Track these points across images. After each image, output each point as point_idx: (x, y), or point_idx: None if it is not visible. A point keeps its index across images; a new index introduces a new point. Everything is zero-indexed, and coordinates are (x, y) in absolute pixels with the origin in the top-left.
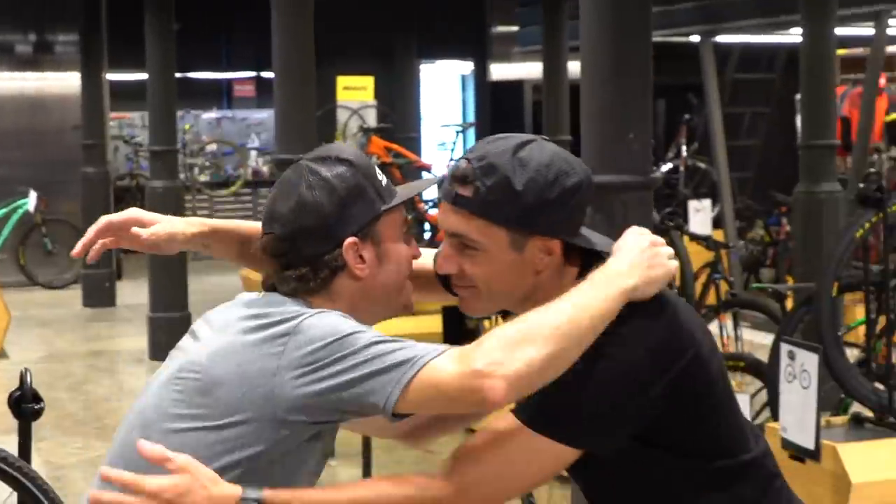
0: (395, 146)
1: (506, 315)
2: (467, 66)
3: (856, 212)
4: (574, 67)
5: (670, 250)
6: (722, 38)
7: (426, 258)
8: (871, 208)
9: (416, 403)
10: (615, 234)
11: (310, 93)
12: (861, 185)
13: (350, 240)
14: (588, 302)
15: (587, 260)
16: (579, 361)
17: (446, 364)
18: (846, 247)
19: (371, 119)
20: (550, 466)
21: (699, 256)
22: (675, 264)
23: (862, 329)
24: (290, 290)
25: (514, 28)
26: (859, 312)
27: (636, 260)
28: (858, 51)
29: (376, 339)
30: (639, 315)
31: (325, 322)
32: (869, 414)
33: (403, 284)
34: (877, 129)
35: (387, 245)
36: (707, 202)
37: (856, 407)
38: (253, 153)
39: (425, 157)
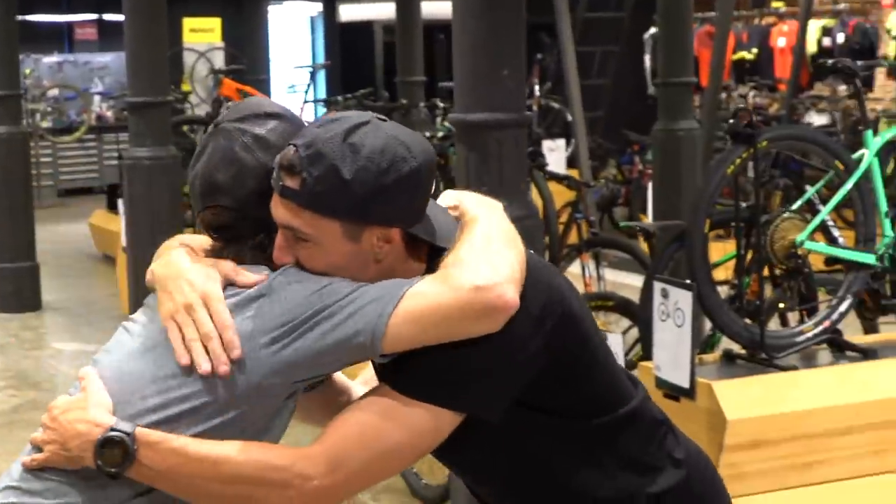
0: (247, 88)
1: None
2: (315, 8)
3: (727, 148)
4: (427, 7)
5: None
6: None
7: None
8: (742, 144)
9: (406, 336)
10: (489, 173)
11: (161, 33)
12: (731, 121)
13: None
14: (497, 214)
15: (434, 248)
16: None
17: (435, 288)
18: (717, 183)
19: (219, 61)
20: (430, 436)
21: (558, 196)
22: None
23: (726, 266)
24: (248, 261)
25: None
26: (716, 250)
27: (477, 196)
28: None
29: (350, 286)
30: None
31: (298, 278)
32: (740, 351)
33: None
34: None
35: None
36: (561, 142)
37: (725, 344)
38: (96, 98)
39: (276, 99)
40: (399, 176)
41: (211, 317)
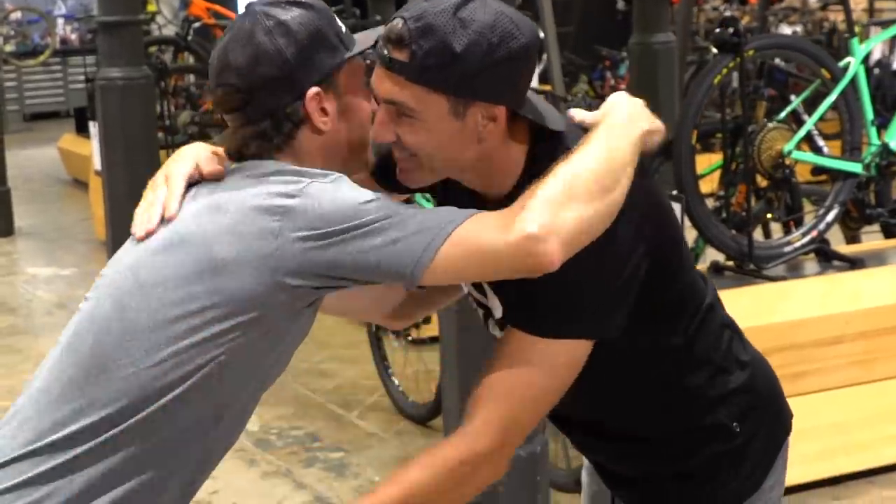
0: (217, 7)
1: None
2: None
3: (713, 57)
4: None
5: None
6: None
7: None
8: (729, 53)
9: (450, 271)
10: None
11: None
12: (717, 31)
13: (313, 90)
14: (616, 148)
15: (538, 135)
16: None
17: (488, 228)
18: (704, 93)
19: None
20: (574, 370)
21: None
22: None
23: (710, 178)
24: (253, 150)
25: None
26: (700, 161)
27: (634, 110)
28: None
29: (395, 205)
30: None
31: (336, 186)
32: (727, 262)
33: (367, 139)
34: None
35: (349, 97)
36: None
37: (711, 255)
38: (60, 21)
39: None
40: (509, 52)
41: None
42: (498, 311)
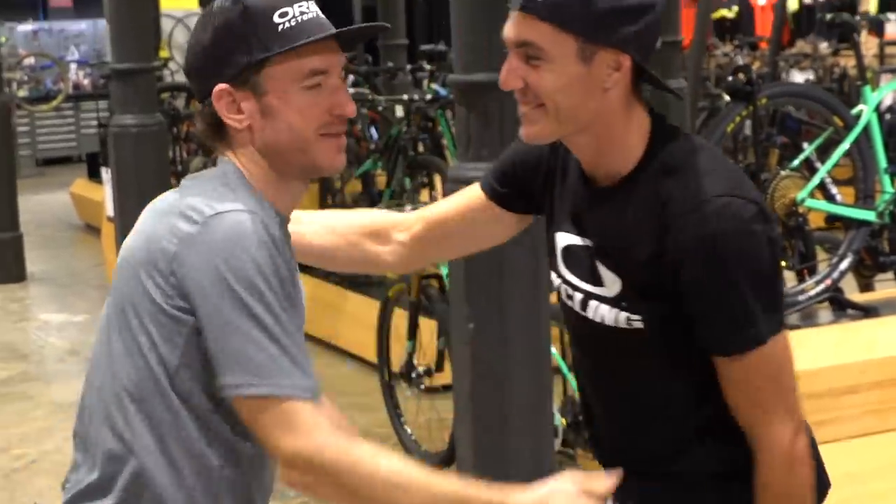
0: None
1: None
2: None
3: (726, 105)
4: None
5: None
6: None
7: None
8: (741, 101)
9: (247, 416)
10: (490, 136)
11: None
12: (730, 78)
13: (220, 86)
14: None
15: (657, 123)
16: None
17: (300, 420)
18: (717, 141)
19: None
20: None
21: None
22: None
23: None
24: (203, 137)
25: None
26: None
27: None
28: None
29: (268, 317)
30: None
31: (234, 235)
32: None
33: (304, 143)
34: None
35: (272, 97)
36: None
37: None
38: (73, 66)
39: None
40: (639, 1)
41: None
42: (613, 289)
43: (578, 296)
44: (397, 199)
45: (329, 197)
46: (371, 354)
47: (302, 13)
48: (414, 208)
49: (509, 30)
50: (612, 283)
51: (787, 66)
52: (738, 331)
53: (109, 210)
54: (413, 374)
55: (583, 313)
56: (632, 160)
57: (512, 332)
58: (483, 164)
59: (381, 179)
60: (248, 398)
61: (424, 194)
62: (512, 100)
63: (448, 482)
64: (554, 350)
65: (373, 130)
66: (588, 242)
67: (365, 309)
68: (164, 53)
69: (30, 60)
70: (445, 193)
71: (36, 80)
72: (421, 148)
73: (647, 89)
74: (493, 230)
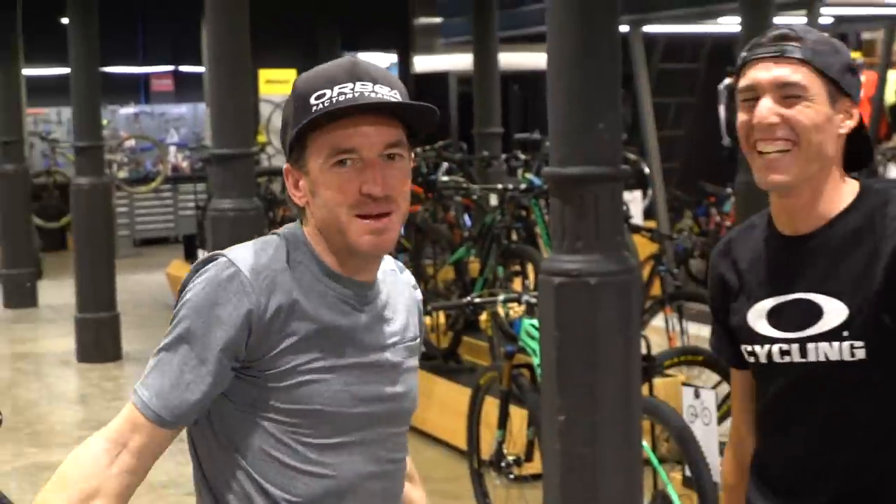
0: None
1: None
2: (391, 58)
3: None
4: (502, 58)
5: None
6: (649, 28)
7: None
8: None
9: None
10: (585, 228)
11: (244, 85)
12: None
13: (286, 166)
14: None
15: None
16: None
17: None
18: None
19: None
20: None
21: (640, 249)
22: None
23: None
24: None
25: (438, 20)
26: None
27: None
28: None
29: (166, 347)
30: None
31: (196, 288)
32: None
33: (338, 223)
34: None
35: (313, 176)
36: (638, 193)
37: None
38: (172, 149)
39: None
40: (856, 66)
41: None
42: (837, 320)
43: (795, 346)
44: (490, 287)
45: (421, 283)
46: (459, 441)
47: (341, 94)
48: (506, 296)
49: (764, 75)
50: (835, 316)
51: (884, 160)
52: None
53: None
54: (502, 463)
55: (803, 360)
56: (841, 204)
57: (603, 425)
58: (578, 257)
59: (474, 267)
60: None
61: (517, 283)
62: (607, 192)
63: None
64: (644, 443)
65: (466, 218)
66: (799, 294)
67: (455, 395)
68: (261, 138)
69: (130, 143)
70: (538, 284)
71: (136, 161)
72: (514, 237)
73: (740, 180)
74: None
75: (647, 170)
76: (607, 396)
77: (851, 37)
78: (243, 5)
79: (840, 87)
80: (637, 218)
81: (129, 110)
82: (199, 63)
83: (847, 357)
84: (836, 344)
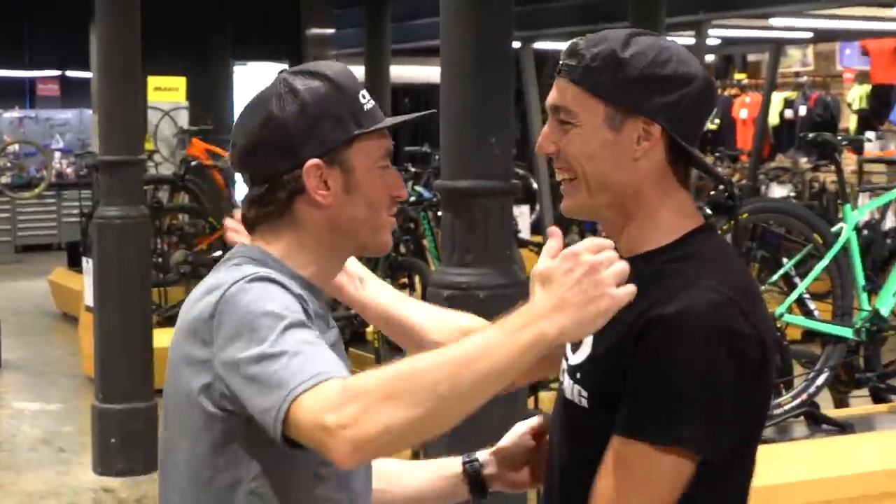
0: (216, 149)
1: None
2: (282, 68)
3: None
4: (393, 71)
5: (621, 271)
6: (540, 45)
7: None
8: (724, 215)
9: (296, 436)
10: (475, 241)
11: (134, 91)
12: (713, 193)
13: (312, 161)
14: (491, 350)
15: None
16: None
17: (309, 404)
18: None
19: (183, 121)
20: (675, 488)
21: (528, 263)
22: (623, 293)
23: None
24: (252, 215)
25: (331, 31)
26: None
27: (569, 293)
28: None
29: (272, 352)
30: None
31: (243, 302)
32: None
33: (378, 222)
34: None
35: (358, 175)
36: (526, 208)
37: None
38: (57, 154)
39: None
40: (673, 72)
41: None
42: (581, 357)
43: (565, 373)
44: None
45: None
46: None
47: (368, 97)
48: None
49: (549, 96)
50: (583, 351)
51: (766, 180)
52: (654, 417)
53: (89, 300)
54: None
55: (560, 389)
56: (660, 240)
57: (490, 436)
58: (468, 270)
59: None
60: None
61: None
62: (498, 206)
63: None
64: None
65: None
66: None
67: None
68: (149, 146)
69: (14, 147)
70: (426, 297)
71: (20, 167)
72: (403, 249)
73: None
74: None
75: (535, 185)
76: (496, 410)
77: (737, 58)
78: (134, 11)
79: (623, 106)
80: (525, 232)
81: (13, 115)
82: (86, 68)
83: (576, 400)
84: (571, 381)
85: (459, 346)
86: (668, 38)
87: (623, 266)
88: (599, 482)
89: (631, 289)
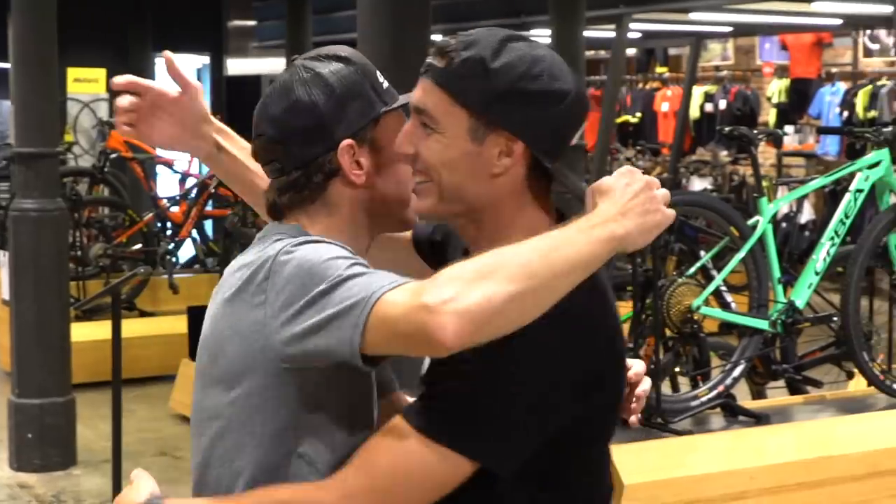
0: (135, 140)
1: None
2: (202, 60)
3: None
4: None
5: (666, 193)
6: None
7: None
8: None
9: (378, 345)
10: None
11: (51, 83)
12: None
13: (346, 142)
14: (569, 242)
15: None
16: (487, 356)
17: (399, 296)
18: None
19: (103, 112)
20: (448, 481)
21: None
22: (672, 212)
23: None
24: (285, 202)
25: (252, 23)
26: None
27: (630, 203)
28: (590, 53)
29: (342, 274)
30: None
31: (298, 256)
32: None
33: (406, 197)
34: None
35: (387, 152)
36: None
37: None
38: None
39: (163, 152)
40: (544, 88)
41: None
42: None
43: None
44: None
45: None
46: None
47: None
48: None
49: (413, 93)
50: None
51: (687, 173)
52: (440, 414)
53: (5, 293)
54: None
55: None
56: None
57: None
58: None
59: None
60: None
61: None
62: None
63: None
64: None
65: None
66: None
67: None
68: (68, 137)
69: None
70: None
71: None
72: None
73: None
74: None
75: None
76: None
77: (659, 52)
78: (51, 2)
79: (488, 119)
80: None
81: None
82: (3, 59)
83: None
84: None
85: (538, 238)
86: (544, 47)
87: (667, 192)
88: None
89: (674, 213)
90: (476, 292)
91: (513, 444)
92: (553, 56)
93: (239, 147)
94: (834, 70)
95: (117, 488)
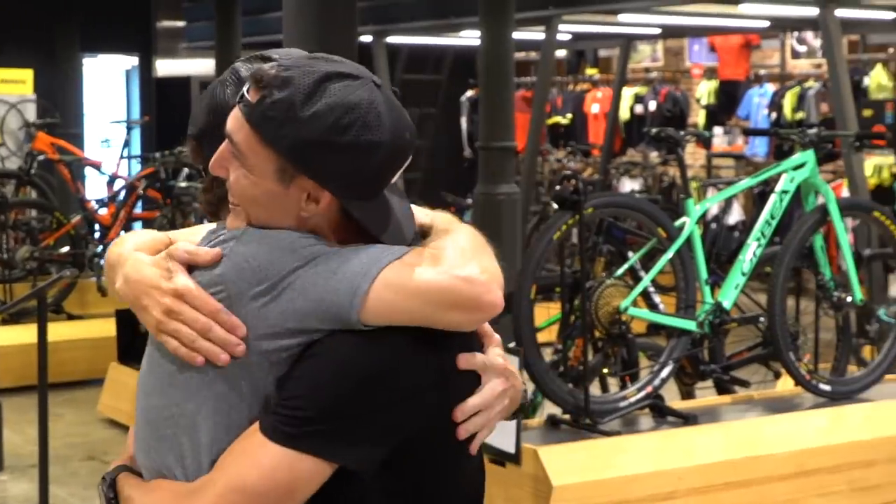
0: (62, 142)
1: None
2: (131, 62)
3: (554, 213)
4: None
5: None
6: (392, 39)
7: None
8: (569, 210)
9: (385, 304)
10: None
11: None
12: (558, 187)
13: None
14: (471, 235)
15: None
16: (330, 349)
17: (422, 264)
18: (544, 248)
19: (30, 114)
20: (295, 488)
21: None
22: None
23: (547, 330)
24: (202, 200)
25: (181, 23)
26: (539, 313)
27: (476, 244)
28: (520, 54)
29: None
30: None
31: (260, 238)
32: (564, 415)
33: None
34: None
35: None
36: None
37: (548, 408)
38: None
39: (91, 154)
40: (354, 141)
41: (197, 309)
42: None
43: None
44: None
45: None
46: None
47: None
48: None
49: (228, 121)
50: None
51: (617, 174)
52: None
53: None
54: None
55: None
56: None
57: None
58: None
59: None
60: None
61: None
62: None
63: None
64: None
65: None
66: None
67: None
68: None
69: None
70: None
71: None
72: None
73: (478, 192)
74: None
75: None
76: None
77: (589, 54)
78: None
79: (295, 166)
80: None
81: None
82: None
83: None
84: None
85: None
86: (367, 88)
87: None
88: None
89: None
90: (490, 266)
91: (356, 434)
92: (372, 101)
93: None
94: (762, 72)
95: (44, 493)
